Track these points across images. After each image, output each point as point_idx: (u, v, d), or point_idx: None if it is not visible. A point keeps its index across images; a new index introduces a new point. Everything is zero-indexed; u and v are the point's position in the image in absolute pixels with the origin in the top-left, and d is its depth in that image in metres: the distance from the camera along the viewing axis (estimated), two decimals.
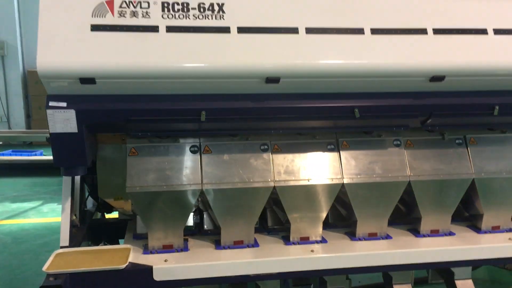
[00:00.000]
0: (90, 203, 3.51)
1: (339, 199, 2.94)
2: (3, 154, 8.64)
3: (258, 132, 2.70)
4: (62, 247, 2.65)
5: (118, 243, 3.37)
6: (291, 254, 2.64)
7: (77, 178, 3.02)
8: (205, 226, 3.03)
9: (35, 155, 8.60)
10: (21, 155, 8.68)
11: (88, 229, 3.10)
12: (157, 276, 2.45)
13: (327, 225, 3.04)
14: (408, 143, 2.87)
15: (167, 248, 2.66)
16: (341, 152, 2.80)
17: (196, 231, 2.96)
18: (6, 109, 11.69)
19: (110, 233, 3.31)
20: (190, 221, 3.04)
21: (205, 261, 2.54)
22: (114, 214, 3.66)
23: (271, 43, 2.37)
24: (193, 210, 2.98)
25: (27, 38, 11.65)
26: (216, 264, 2.52)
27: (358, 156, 2.82)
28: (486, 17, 2.57)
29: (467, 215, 3.12)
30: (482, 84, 2.60)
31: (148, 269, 2.45)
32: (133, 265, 2.47)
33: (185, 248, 2.68)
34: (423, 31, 2.49)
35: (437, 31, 2.49)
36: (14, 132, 10.56)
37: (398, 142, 2.85)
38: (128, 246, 2.67)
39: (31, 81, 11.26)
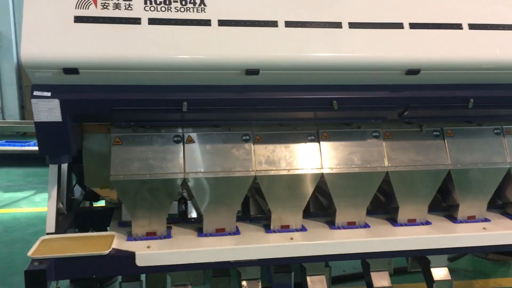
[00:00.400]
0: (78, 191, 3.58)
1: (320, 188, 3.02)
2: None
3: (240, 123, 2.77)
4: (48, 234, 2.72)
5: (106, 231, 3.44)
6: (271, 242, 2.72)
7: (64, 166, 3.08)
8: (191, 215, 3.10)
9: (29, 145, 8.64)
10: (14, 145, 8.73)
11: (76, 217, 3.17)
12: (140, 262, 2.52)
13: (308, 214, 3.12)
14: (387, 134, 2.95)
15: (151, 235, 2.73)
16: (321, 142, 2.87)
17: (180, 219, 3.04)
18: (0, 100, 11.71)
19: (98, 221, 3.37)
20: (175, 210, 3.11)
21: (187, 248, 2.61)
22: (103, 203, 3.73)
23: (251, 36, 2.44)
24: (178, 198, 3.05)
25: (21, 29, 11.64)
26: (197, 251, 2.60)
27: (338, 147, 2.89)
28: (461, 12, 2.64)
29: (445, 206, 3.21)
30: (457, 78, 2.67)
31: (131, 255, 2.52)
32: (116, 251, 2.54)
33: (168, 235, 2.75)
34: (399, 26, 2.55)
35: (413, 26, 2.56)
36: (8, 122, 10.59)
37: (377, 134, 2.92)
38: (112, 233, 2.74)
39: (25, 72, 11.26)
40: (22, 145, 8.67)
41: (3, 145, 8.73)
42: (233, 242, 2.71)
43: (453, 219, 3.07)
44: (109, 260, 2.50)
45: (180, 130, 2.75)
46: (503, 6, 2.68)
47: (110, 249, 2.51)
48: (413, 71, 2.56)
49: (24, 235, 5.11)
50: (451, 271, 3.04)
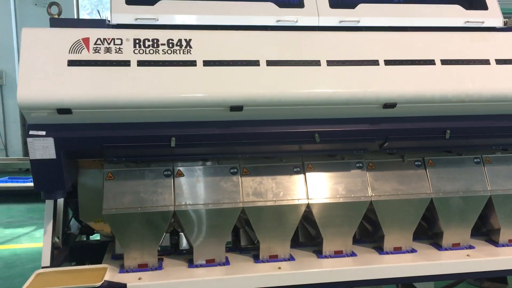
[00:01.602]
0: (75, 226, 3.67)
1: (307, 218, 3.11)
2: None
3: (227, 156, 2.89)
4: (43, 267, 2.81)
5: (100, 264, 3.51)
6: (259, 271, 2.79)
7: (60, 201, 3.19)
8: (183, 246, 3.18)
9: (31, 181, 8.74)
10: (17, 182, 8.86)
11: (71, 250, 3.26)
12: None
13: (297, 243, 3.21)
14: (370, 165, 3.05)
15: (142, 267, 2.82)
16: (306, 174, 2.98)
17: (172, 251, 3.11)
18: (4, 136, 11.92)
19: (93, 254, 3.44)
20: (168, 242, 3.19)
21: (177, 278, 2.69)
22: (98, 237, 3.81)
23: (234, 75, 2.58)
24: (170, 230, 3.15)
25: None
26: (187, 281, 2.68)
27: (323, 178, 2.99)
28: (434, 49, 2.79)
29: (431, 233, 3.28)
30: (433, 110, 2.80)
31: (123, 287, 2.60)
32: (108, 283, 2.62)
33: (159, 267, 2.83)
34: (375, 62, 2.70)
35: (388, 62, 2.71)
36: (11, 159, 10.76)
37: (360, 165, 3.03)
38: (105, 265, 2.82)
39: None
40: (24, 181, 8.79)
41: (6, 181, 8.85)
42: (222, 272, 2.79)
43: (438, 246, 3.14)
44: None
45: (170, 165, 2.87)
46: (472, 42, 2.83)
47: (102, 281, 2.59)
48: (389, 105, 2.69)
49: (24, 270, 5.17)
50: None
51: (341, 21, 2.98)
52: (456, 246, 3.12)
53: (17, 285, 4.72)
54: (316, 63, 2.66)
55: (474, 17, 3.16)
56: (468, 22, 3.15)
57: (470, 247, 3.14)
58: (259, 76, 2.60)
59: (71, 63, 2.45)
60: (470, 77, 2.73)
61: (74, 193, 3.10)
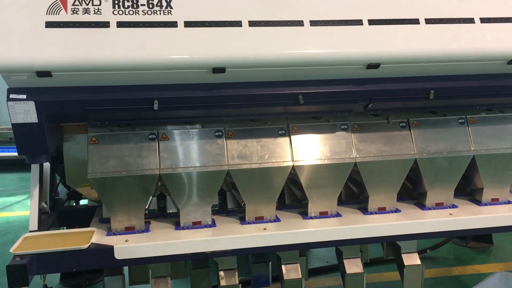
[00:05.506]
0: (63, 192, 3.69)
1: (293, 180, 3.14)
2: None
3: (211, 119, 2.88)
4: (30, 231, 2.84)
5: None
6: (245, 232, 2.83)
7: (47, 167, 3.20)
8: (170, 210, 3.20)
9: None
10: (8, 151, 8.85)
11: (59, 215, 3.28)
12: (118, 255, 2.63)
13: (283, 206, 3.25)
14: (355, 127, 3.06)
15: (129, 230, 2.85)
16: (291, 136, 2.98)
17: (159, 214, 3.14)
18: None
19: (81, 219, 3.47)
20: (156, 205, 3.22)
21: (163, 240, 2.72)
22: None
23: (216, 36, 2.55)
24: (157, 194, 3.16)
25: None
26: (173, 243, 2.71)
27: (308, 140, 3.00)
28: (418, 8, 2.75)
29: (415, 194, 3.32)
30: (417, 70, 2.79)
31: (110, 249, 2.63)
32: (95, 245, 2.66)
33: (146, 230, 2.87)
34: (359, 22, 2.66)
35: (372, 22, 2.67)
36: (1, 129, 10.67)
37: (345, 126, 3.04)
38: (92, 228, 2.86)
39: None
40: (15, 151, 8.75)
41: None
42: (209, 233, 2.82)
43: (422, 206, 3.18)
44: (89, 254, 2.61)
45: (154, 128, 2.86)
46: (457, 1, 2.79)
47: (89, 244, 2.63)
48: (373, 65, 2.67)
49: (16, 237, 5.15)
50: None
51: None
52: (439, 206, 3.17)
53: (10, 252, 4.76)
54: (299, 23, 2.62)
55: None
56: None
57: (453, 206, 3.18)
58: (242, 37, 2.56)
59: (49, 24, 2.40)
60: (455, 36, 2.71)
61: (60, 159, 3.09)
